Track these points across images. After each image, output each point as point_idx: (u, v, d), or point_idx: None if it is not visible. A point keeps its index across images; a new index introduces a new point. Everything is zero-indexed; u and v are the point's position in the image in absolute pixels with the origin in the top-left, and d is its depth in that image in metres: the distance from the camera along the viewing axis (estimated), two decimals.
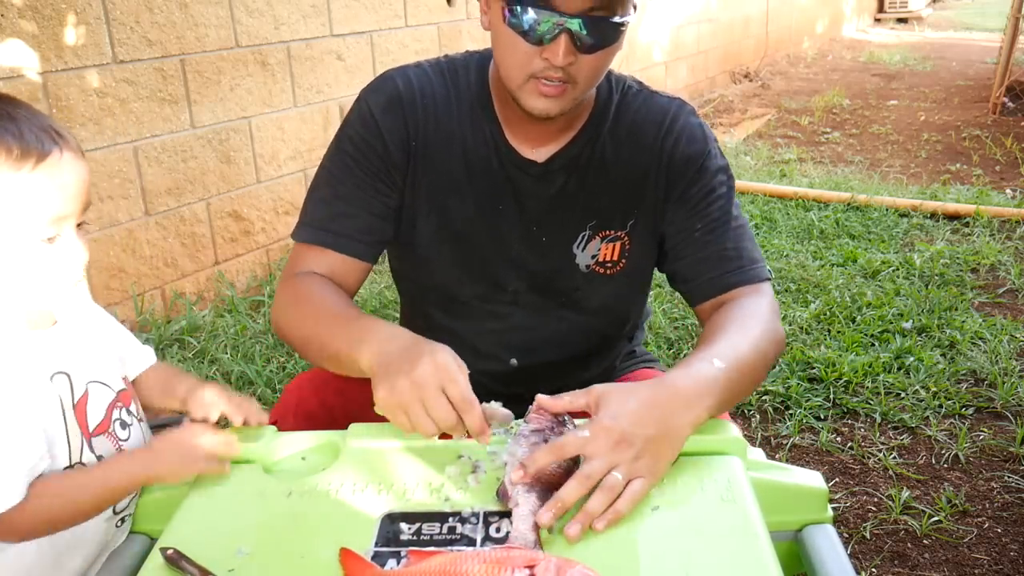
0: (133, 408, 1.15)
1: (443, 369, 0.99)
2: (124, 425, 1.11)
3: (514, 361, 1.35)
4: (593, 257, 1.31)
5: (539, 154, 1.28)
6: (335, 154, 1.30)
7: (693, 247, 1.29)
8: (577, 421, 1.09)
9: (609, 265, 1.32)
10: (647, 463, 0.97)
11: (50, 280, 1.00)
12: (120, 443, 1.10)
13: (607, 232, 1.30)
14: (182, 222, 3.07)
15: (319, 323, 1.19)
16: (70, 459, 1.03)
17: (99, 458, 1.07)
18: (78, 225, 1.02)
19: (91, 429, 1.06)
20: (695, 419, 1.04)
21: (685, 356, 1.19)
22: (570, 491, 0.94)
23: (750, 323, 1.20)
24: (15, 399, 0.97)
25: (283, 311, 1.26)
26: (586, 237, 1.30)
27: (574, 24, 1.09)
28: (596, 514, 0.93)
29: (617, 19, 1.13)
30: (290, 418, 1.32)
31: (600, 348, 1.42)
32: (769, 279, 1.30)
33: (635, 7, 1.18)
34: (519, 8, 1.11)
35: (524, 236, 1.30)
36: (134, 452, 1.07)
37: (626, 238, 1.31)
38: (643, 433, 0.98)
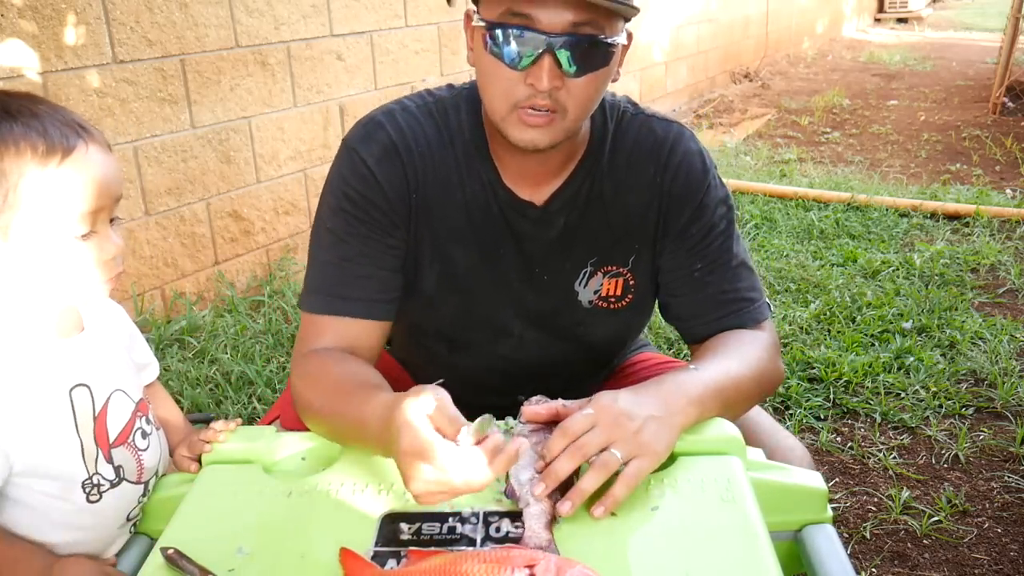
0: (151, 417, 1.15)
1: (412, 434, 0.88)
2: (144, 435, 1.11)
3: (521, 398, 1.34)
4: (596, 292, 1.28)
5: (537, 195, 1.23)
6: (334, 214, 1.21)
7: (691, 286, 1.26)
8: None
9: (613, 300, 1.29)
10: (648, 439, 0.97)
11: (88, 277, 1.00)
12: (139, 453, 1.09)
13: (609, 268, 1.27)
14: (182, 222, 3.07)
15: (333, 420, 1.10)
16: (87, 471, 1.03)
17: (118, 468, 1.06)
18: (111, 220, 1.01)
19: (111, 440, 1.06)
20: (684, 410, 1.04)
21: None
22: (562, 463, 0.93)
23: (744, 348, 1.21)
24: None
25: (302, 403, 1.16)
26: (588, 274, 1.27)
27: (557, 44, 1.03)
28: (587, 492, 0.93)
29: (605, 39, 1.06)
30: (292, 410, 1.31)
31: (603, 366, 1.43)
32: (768, 318, 1.28)
33: (628, 33, 1.12)
34: (499, 32, 1.05)
35: (526, 279, 1.27)
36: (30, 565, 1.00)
37: (629, 275, 1.28)
38: (642, 412, 0.99)
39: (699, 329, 1.27)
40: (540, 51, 1.04)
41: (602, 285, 1.28)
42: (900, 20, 13.50)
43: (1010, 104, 6.64)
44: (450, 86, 1.28)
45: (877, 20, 13.66)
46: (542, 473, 0.94)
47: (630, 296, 1.30)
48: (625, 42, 1.11)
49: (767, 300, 1.30)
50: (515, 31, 1.04)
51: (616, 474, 0.95)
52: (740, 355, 1.19)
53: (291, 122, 3.44)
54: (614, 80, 1.16)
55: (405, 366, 1.49)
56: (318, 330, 1.19)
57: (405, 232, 1.22)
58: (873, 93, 7.79)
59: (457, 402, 1.36)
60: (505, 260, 1.25)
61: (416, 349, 1.40)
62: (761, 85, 8.26)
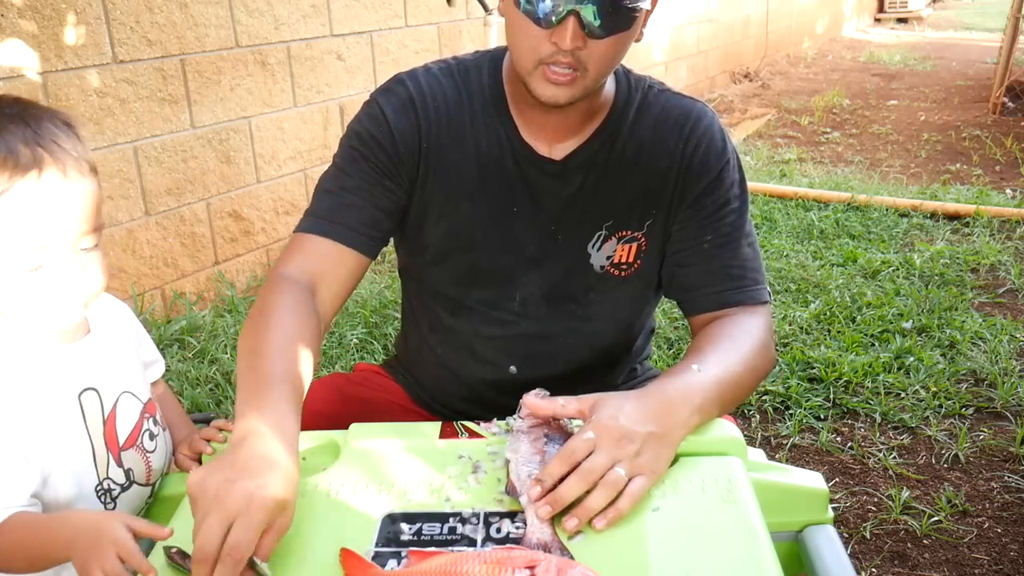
0: (158, 417, 1.14)
1: (251, 508, 0.83)
2: (152, 436, 1.10)
3: (513, 369, 1.33)
4: (608, 258, 1.29)
5: (556, 151, 1.26)
6: (344, 151, 1.28)
7: (700, 258, 1.28)
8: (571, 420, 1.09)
9: (624, 267, 1.30)
10: (648, 460, 0.98)
11: (44, 310, 0.95)
12: (148, 455, 1.09)
13: (624, 232, 1.28)
14: (182, 222, 3.07)
15: (246, 364, 1.05)
16: (98, 476, 1.02)
17: (127, 472, 1.05)
18: (87, 248, 0.97)
19: (121, 443, 1.05)
20: (686, 421, 1.05)
21: (673, 365, 1.19)
22: (570, 487, 0.94)
23: (742, 338, 1.21)
24: (9, 425, 0.95)
25: (245, 326, 1.14)
26: (602, 237, 1.28)
27: (583, 6, 1.07)
28: (596, 509, 0.93)
29: (629, 2, 1.09)
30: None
31: (604, 364, 1.40)
32: (768, 302, 1.29)
33: None
34: None
35: (541, 236, 1.28)
36: (63, 525, 0.92)
37: (643, 239, 1.29)
38: (643, 430, 0.99)
39: (703, 301, 1.29)
40: (565, 11, 1.07)
41: (615, 251, 1.29)
42: (900, 20, 13.50)
43: (1010, 104, 6.63)
44: (478, 51, 1.32)
45: (877, 20, 13.66)
46: (546, 497, 0.93)
47: (639, 262, 1.30)
48: (648, 6, 1.14)
49: (768, 287, 1.31)
50: None
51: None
52: (739, 348, 1.19)
53: (291, 122, 3.44)
54: (637, 40, 1.19)
55: (407, 343, 1.48)
56: (298, 247, 1.22)
57: (410, 184, 1.26)
58: (873, 93, 7.79)
59: (454, 376, 1.36)
60: (520, 217, 1.27)
61: (421, 312, 1.40)
62: (761, 85, 8.26)
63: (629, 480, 0.96)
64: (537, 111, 1.22)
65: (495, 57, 1.29)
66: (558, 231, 1.28)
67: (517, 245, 1.28)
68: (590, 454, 0.96)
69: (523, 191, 1.26)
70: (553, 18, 1.08)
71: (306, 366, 1.07)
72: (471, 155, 1.26)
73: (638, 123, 1.27)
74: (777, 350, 2.86)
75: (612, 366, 1.42)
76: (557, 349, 1.33)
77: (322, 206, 1.25)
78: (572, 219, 1.27)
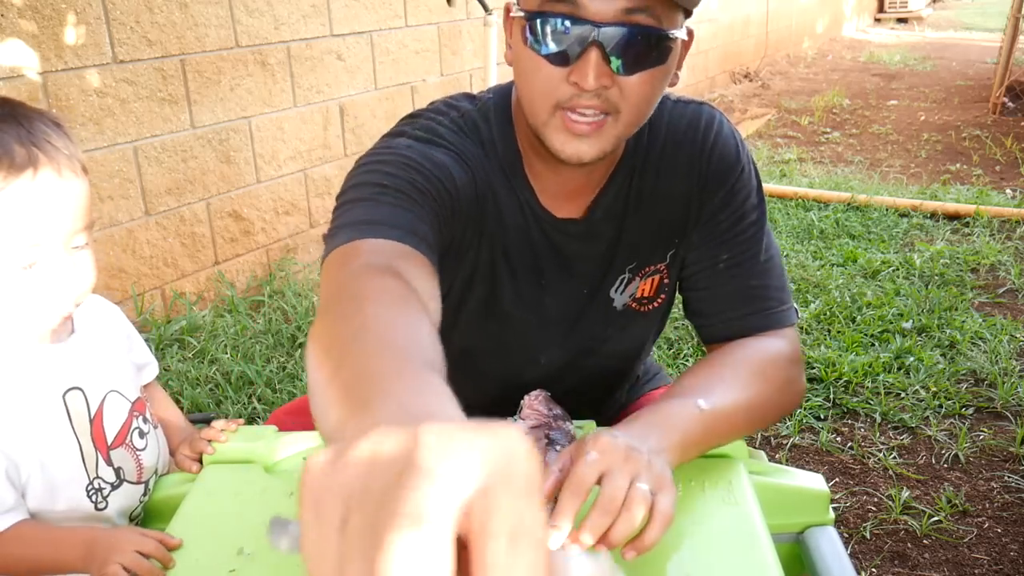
0: (148, 415, 1.14)
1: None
2: (142, 434, 1.10)
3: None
4: (631, 296, 1.18)
5: (574, 208, 1.11)
6: (396, 170, 0.96)
7: (716, 279, 1.14)
8: (572, 421, 1.09)
9: (645, 301, 1.19)
10: (661, 472, 0.83)
11: (36, 308, 0.96)
12: (138, 453, 1.09)
13: (647, 268, 1.16)
14: (182, 222, 3.06)
15: (363, 347, 0.64)
16: (87, 475, 1.03)
17: (118, 470, 1.06)
18: (79, 246, 0.98)
19: (109, 442, 1.05)
20: (670, 450, 0.91)
21: (666, 391, 1.06)
22: (595, 524, 0.77)
23: (757, 367, 1.06)
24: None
25: (327, 318, 0.71)
26: (625, 280, 1.16)
27: (606, 36, 0.89)
28: (626, 536, 0.77)
29: (663, 30, 0.92)
30: (281, 415, 1.30)
31: (611, 389, 1.32)
32: (793, 324, 1.14)
33: (689, 30, 1.00)
34: (539, 22, 0.91)
35: (571, 299, 1.16)
36: (74, 543, 0.95)
37: (665, 270, 1.17)
38: (644, 445, 0.86)
39: (720, 328, 1.14)
40: (586, 43, 0.90)
41: (638, 288, 1.18)
42: (900, 20, 13.50)
43: (1010, 104, 6.63)
44: (469, 97, 1.13)
45: (877, 20, 13.66)
46: (573, 534, 0.76)
47: (662, 297, 1.21)
48: (685, 37, 0.99)
49: (795, 305, 1.16)
50: (558, 20, 0.90)
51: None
52: (750, 380, 1.04)
53: (291, 122, 3.44)
54: (672, 84, 1.02)
55: None
56: (348, 255, 0.85)
57: (447, 245, 1.01)
58: (873, 93, 7.79)
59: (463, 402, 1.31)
60: (548, 288, 1.15)
61: None
62: (761, 85, 8.26)
63: (654, 497, 0.80)
64: (558, 170, 1.05)
65: (500, 107, 1.10)
66: (584, 286, 1.17)
67: (547, 317, 1.17)
68: (607, 476, 0.79)
69: (553, 259, 1.13)
70: (572, 53, 0.91)
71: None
72: (506, 226, 1.10)
73: (651, 151, 1.12)
74: None
75: (618, 388, 1.35)
76: (567, 390, 1.20)
77: (368, 213, 0.90)
78: (599, 272, 1.16)
